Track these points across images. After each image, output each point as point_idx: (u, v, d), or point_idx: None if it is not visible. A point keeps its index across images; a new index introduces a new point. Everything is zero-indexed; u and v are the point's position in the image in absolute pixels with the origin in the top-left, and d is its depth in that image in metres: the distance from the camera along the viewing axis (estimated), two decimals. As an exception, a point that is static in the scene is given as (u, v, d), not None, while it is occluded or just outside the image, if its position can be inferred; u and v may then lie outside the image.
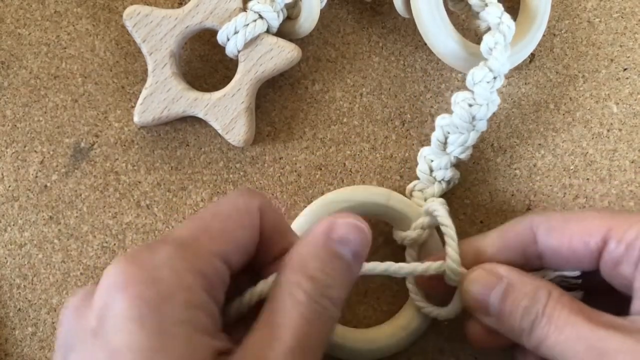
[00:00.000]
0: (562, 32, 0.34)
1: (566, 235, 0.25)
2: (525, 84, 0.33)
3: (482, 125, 0.30)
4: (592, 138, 0.33)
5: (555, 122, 0.33)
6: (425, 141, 0.33)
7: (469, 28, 0.33)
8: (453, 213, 0.31)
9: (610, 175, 0.33)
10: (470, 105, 0.30)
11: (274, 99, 0.33)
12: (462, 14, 0.32)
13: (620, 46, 0.34)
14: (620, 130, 0.33)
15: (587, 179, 0.33)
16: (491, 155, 0.33)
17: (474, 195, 0.33)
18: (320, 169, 0.33)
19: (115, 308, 0.21)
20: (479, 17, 0.31)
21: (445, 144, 0.31)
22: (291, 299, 0.22)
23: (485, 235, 0.28)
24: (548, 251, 0.26)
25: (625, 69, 0.34)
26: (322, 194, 0.32)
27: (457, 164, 0.32)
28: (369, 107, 0.33)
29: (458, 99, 0.30)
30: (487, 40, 0.30)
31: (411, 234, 0.30)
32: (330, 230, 0.23)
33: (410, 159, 0.33)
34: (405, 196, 0.31)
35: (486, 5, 0.30)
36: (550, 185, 0.33)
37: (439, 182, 0.31)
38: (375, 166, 0.33)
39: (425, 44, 0.33)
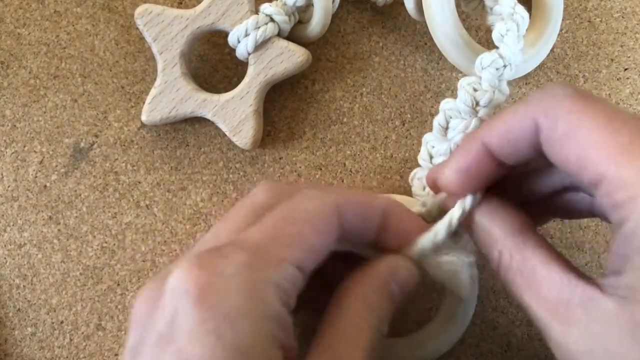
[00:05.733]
0: (563, 31, 0.34)
1: (572, 160, 0.22)
2: (526, 84, 0.33)
3: (484, 113, 0.29)
4: (593, 138, 0.33)
5: (556, 122, 0.33)
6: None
7: (480, 40, 0.33)
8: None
9: (610, 176, 0.33)
10: (475, 90, 0.29)
11: (274, 99, 0.33)
12: (476, 14, 0.32)
13: (621, 46, 0.34)
14: (620, 130, 0.33)
15: (588, 179, 0.33)
16: (491, 155, 0.33)
17: (474, 196, 0.33)
18: (320, 169, 0.33)
19: (187, 316, 0.20)
20: (492, 12, 0.30)
21: (446, 129, 0.30)
22: (354, 329, 0.23)
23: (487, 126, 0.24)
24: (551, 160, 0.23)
25: (625, 69, 0.34)
26: (322, 194, 0.32)
27: None
28: (369, 107, 0.33)
29: (464, 83, 0.30)
30: (498, 27, 0.29)
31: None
32: (393, 272, 0.25)
33: (410, 159, 0.33)
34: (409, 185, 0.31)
35: None
36: (551, 186, 0.33)
37: None
38: (375, 166, 0.33)
39: (426, 44, 0.34)
